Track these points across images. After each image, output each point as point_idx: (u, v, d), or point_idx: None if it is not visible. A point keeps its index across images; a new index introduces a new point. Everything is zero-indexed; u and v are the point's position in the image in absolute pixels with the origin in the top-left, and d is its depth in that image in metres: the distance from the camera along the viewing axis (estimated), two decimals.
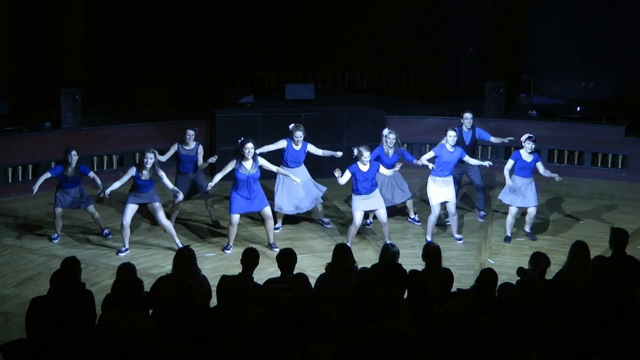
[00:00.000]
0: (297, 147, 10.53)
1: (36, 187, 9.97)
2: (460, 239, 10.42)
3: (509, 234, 10.43)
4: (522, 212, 10.54)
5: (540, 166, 10.23)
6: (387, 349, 5.23)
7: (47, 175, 10.15)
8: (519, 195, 10.18)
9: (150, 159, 9.59)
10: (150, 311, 6.49)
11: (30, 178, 12.35)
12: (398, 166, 10.08)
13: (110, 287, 6.86)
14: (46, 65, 14.50)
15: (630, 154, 13.39)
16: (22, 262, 9.69)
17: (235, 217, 9.85)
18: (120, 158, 13.29)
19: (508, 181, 10.14)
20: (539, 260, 6.73)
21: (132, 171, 9.70)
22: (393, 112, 14.15)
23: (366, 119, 13.62)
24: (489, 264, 9.73)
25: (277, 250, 9.57)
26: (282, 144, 10.54)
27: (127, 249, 9.87)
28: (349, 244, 9.96)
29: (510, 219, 10.37)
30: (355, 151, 9.89)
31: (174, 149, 10.62)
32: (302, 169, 10.65)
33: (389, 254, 7.07)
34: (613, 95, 14.68)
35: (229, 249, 9.99)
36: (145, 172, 9.63)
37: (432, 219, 10.30)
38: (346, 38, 16.45)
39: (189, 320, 5.75)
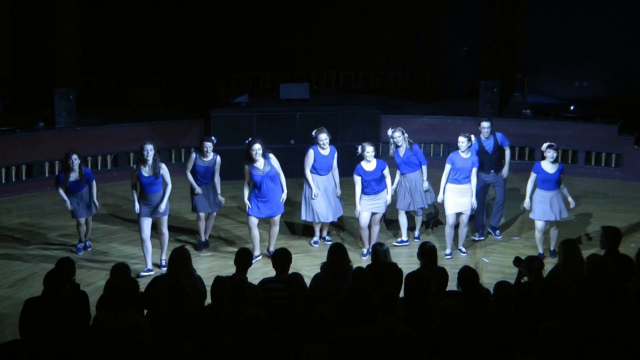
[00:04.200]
0: (325, 152, 9.95)
1: (68, 203, 9.58)
2: (464, 253, 9.93)
3: (541, 252, 9.60)
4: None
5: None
6: (383, 348, 5.24)
7: (61, 190, 9.57)
8: (547, 208, 9.47)
9: (150, 150, 9.15)
10: (145, 311, 6.48)
11: (24, 178, 12.34)
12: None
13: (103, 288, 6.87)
14: (40, 65, 14.46)
15: (624, 152, 13.42)
16: (16, 263, 9.65)
17: (253, 219, 9.53)
18: (115, 158, 13.26)
19: (527, 200, 9.60)
20: (534, 263, 6.75)
21: (135, 172, 9.20)
22: (388, 112, 14.16)
23: (361, 118, 13.63)
24: (484, 263, 9.75)
25: None
26: (310, 155, 9.94)
27: (149, 270, 9.19)
28: (365, 249, 9.77)
29: (538, 235, 9.63)
30: (359, 148, 9.67)
31: (192, 158, 9.87)
32: (330, 177, 10.06)
33: (380, 253, 7.07)
34: (607, 94, 14.72)
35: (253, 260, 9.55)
36: (147, 168, 9.13)
37: (448, 230, 9.78)
38: (341, 37, 16.45)
39: (183, 320, 5.75)
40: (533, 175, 9.60)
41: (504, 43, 15.68)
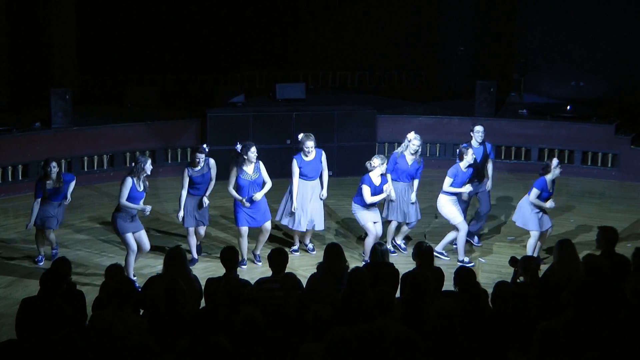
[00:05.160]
0: (309, 158, 9.59)
1: (31, 223, 9.26)
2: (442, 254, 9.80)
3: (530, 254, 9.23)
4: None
5: None
6: (379, 347, 5.24)
7: (36, 206, 9.20)
8: (541, 218, 9.41)
9: (150, 165, 8.75)
10: (141, 311, 6.48)
11: (20, 178, 12.33)
12: (387, 190, 9.41)
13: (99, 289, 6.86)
14: (36, 65, 14.45)
15: (621, 152, 13.45)
16: (12, 262, 9.64)
17: (244, 229, 9.35)
18: (111, 158, 13.25)
19: (551, 201, 9.32)
20: (530, 263, 6.77)
21: (129, 182, 8.67)
22: (384, 112, 14.17)
23: (357, 118, 13.63)
24: (480, 263, 9.76)
25: (260, 264, 9.47)
26: (294, 165, 9.60)
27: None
28: (366, 259, 9.38)
29: (532, 242, 9.43)
30: (370, 164, 9.33)
31: (186, 174, 9.34)
32: (317, 183, 9.73)
33: (378, 253, 7.06)
34: (603, 94, 14.75)
35: (244, 264, 9.38)
36: (141, 182, 8.72)
37: (463, 236, 9.61)
38: (337, 37, 16.47)
39: (180, 320, 5.74)
40: (536, 192, 9.24)
41: (500, 43, 15.70)
